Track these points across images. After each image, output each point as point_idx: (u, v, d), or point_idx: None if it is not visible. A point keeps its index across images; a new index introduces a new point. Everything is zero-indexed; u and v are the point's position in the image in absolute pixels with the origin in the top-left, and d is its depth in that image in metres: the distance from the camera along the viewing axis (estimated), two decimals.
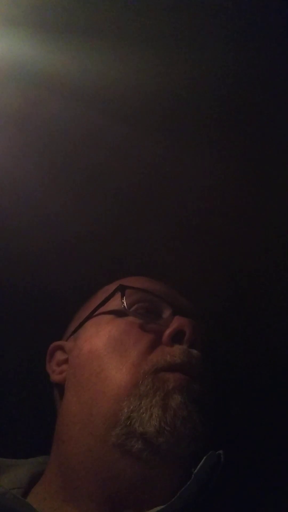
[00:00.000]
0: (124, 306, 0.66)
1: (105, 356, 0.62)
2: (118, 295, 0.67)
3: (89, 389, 0.61)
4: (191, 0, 0.64)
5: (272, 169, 0.75)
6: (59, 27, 0.63)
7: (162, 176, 0.75)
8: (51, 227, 0.77)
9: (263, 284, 0.79)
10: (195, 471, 0.55)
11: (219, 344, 0.69)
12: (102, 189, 0.76)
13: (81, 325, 0.69)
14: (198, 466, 0.55)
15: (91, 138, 0.71)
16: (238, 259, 0.79)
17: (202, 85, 0.69)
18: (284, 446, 0.64)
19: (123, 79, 0.67)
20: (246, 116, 0.71)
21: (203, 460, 0.56)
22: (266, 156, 0.74)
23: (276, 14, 0.65)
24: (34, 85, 0.66)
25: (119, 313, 0.66)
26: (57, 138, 0.70)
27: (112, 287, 0.70)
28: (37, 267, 0.79)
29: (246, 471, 0.61)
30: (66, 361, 0.69)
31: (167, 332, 0.63)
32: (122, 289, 0.67)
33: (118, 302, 0.67)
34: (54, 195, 0.74)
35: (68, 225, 0.77)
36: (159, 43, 0.66)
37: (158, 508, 0.55)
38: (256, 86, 0.70)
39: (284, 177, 0.75)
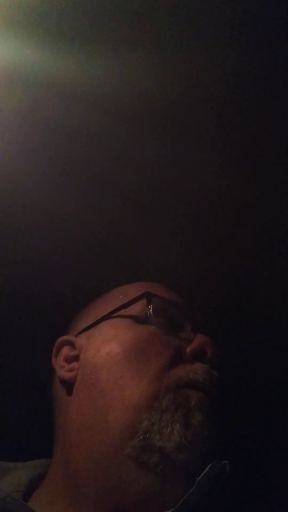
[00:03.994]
0: (150, 314, 0.65)
1: (126, 363, 0.61)
2: (142, 301, 0.66)
3: (106, 394, 0.60)
4: (192, 5, 0.64)
5: (274, 172, 0.76)
6: (62, 32, 0.63)
7: (165, 179, 0.76)
8: (54, 228, 0.77)
9: (273, 296, 0.80)
10: (198, 478, 0.55)
11: (227, 361, 0.69)
12: (105, 191, 0.76)
13: (96, 323, 0.68)
14: (202, 475, 0.56)
15: (93, 142, 0.71)
16: (243, 266, 0.80)
17: (203, 88, 0.69)
18: (285, 455, 0.66)
19: (125, 83, 0.67)
20: (247, 119, 0.72)
21: (207, 468, 0.56)
22: (268, 159, 0.75)
23: (277, 18, 0.65)
24: (37, 90, 0.66)
25: (140, 320, 0.65)
26: (59, 142, 0.70)
27: (131, 289, 0.69)
28: (36, 260, 0.78)
29: (249, 480, 0.62)
30: (76, 358, 0.67)
31: (190, 349, 0.63)
32: (148, 297, 0.66)
33: (140, 308, 0.66)
34: (58, 198, 0.74)
35: (70, 225, 0.77)
36: (160, 46, 0.66)
37: None
38: (257, 90, 0.70)
39: (285, 179, 0.75)
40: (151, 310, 0.65)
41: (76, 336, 0.69)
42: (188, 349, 0.63)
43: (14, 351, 0.79)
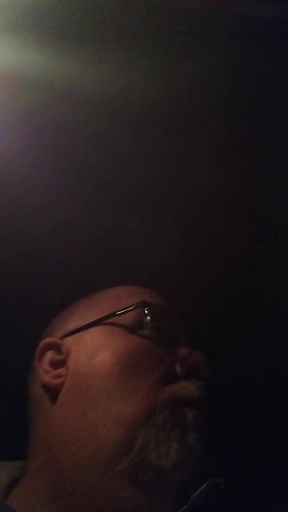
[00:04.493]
0: (147, 324, 0.62)
1: (120, 375, 0.58)
2: (138, 309, 0.63)
3: (97, 407, 0.57)
4: (193, 7, 0.65)
5: (274, 174, 0.76)
6: (63, 34, 0.64)
7: (165, 180, 0.75)
8: (53, 228, 0.76)
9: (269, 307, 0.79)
10: (194, 495, 0.55)
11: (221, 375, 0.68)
12: (105, 191, 0.75)
13: (86, 327, 0.64)
14: (197, 492, 0.55)
15: (95, 143, 0.71)
16: (241, 272, 0.80)
17: (204, 91, 0.70)
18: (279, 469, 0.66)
19: (127, 85, 0.67)
20: (248, 121, 0.73)
21: (203, 486, 0.55)
22: (268, 160, 0.75)
23: (277, 20, 0.66)
24: (38, 92, 0.65)
25: (134, 329, 0.63)
26: (61, 144, 0.70)
27: (125, 294, 0.66)
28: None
29: (242, 496, 0.62)
30: (62, 363, 0.63)
31: (184, 365, 0.61)
32: (145, 306, 0.63)
33: (135, 317, 0.63)
34: (59, 199, 0.73)
35: (69, 225, 0.76)
36: (161, 49, 0.66)
37: None
38: (258, 92, 0.71)
39: (285, 179, 0.76)
40: (148, 321, 0.62)
41: (62, 338, 0.65)
42: (183, 365, 0.61)
43: None
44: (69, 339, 0.64)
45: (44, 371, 0.63)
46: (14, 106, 0.65)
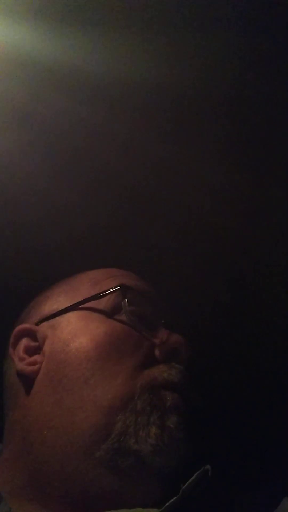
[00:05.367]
0: (125, 309, 0.61)
1: (98, 361, 0.57)
2: (116, 293, 0.62)
3: (74, 393, 0.56)
4: None
5: (277, 169, 0.76)
6: (63, 18, 0.63)
7: (166, 173, 0.75)
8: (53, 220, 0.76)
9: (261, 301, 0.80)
10: (184, 487, 0.54)
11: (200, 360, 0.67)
12: (104, 183, 0.75)
13: (62, 312, 0.63)
14: (187, 483, 0.54)
15: (94, 132, 0.70)
16: (238, 268, 0.80)
17: (207, 81, 0.69)
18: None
19: (128, 73, 0.66)
20: (251, 112, 0.72)
21: (194, 476, 0.54)
22: (271, 155, 0.75)
23: (282, 9, 0.65)
24: (37, 78, 0.65)
25: (112, 313, 0.61)
26: (59, 131, 0.69)
27: (102, 277, 0.65)
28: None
29: (225, 482, 0.61)
30: (37, 349, 0.62)
31: (164, 348, 0.60)
32: (123, 290, 0.61)
33: (113, 301, 0.62)
34: (56, 190, 0.73)
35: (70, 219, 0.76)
36: (165, 37, 0.65)
37: None
38: (262, 83, 0.70)
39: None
40: (126, 305, 0.61)
41: (37, 324, 0.64)
42: (162, 349, 0.60)
43: None
44: (45, 324, 0.63)
45: (19, 358, 0.62)
46: (11, 87, 0.64)
